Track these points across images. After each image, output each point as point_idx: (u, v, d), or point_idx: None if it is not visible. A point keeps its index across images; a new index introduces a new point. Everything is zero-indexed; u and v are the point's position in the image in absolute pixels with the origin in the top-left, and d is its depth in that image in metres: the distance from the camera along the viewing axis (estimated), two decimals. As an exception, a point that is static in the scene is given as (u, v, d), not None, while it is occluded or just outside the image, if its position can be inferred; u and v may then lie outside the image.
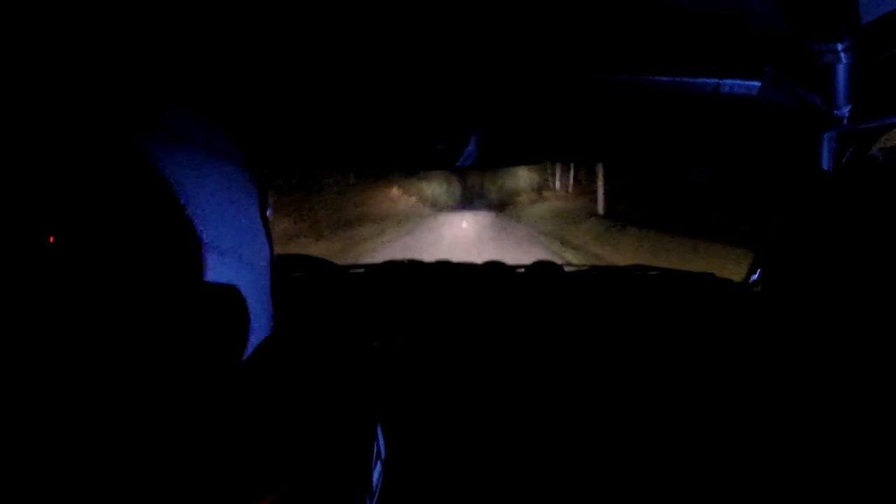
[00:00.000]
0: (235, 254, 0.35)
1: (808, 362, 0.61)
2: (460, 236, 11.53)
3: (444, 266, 1.47)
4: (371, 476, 0.40)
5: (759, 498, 0.65)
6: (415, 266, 1.47)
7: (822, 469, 0.55)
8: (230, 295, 0.35)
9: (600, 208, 12.88)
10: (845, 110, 0.82)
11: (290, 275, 1.37)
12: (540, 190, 22.46)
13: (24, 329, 0.27)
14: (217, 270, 0.34)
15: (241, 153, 0.39)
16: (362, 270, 1.47)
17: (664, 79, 0.85)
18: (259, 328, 0.39)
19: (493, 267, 1.45)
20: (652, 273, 1.40)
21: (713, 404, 0.93)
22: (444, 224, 16.09)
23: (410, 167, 1.21)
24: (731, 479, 0.73)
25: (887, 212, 0.54)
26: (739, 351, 0.95)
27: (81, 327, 0.28)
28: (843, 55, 0.71)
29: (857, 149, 0.86)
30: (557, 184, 20.48)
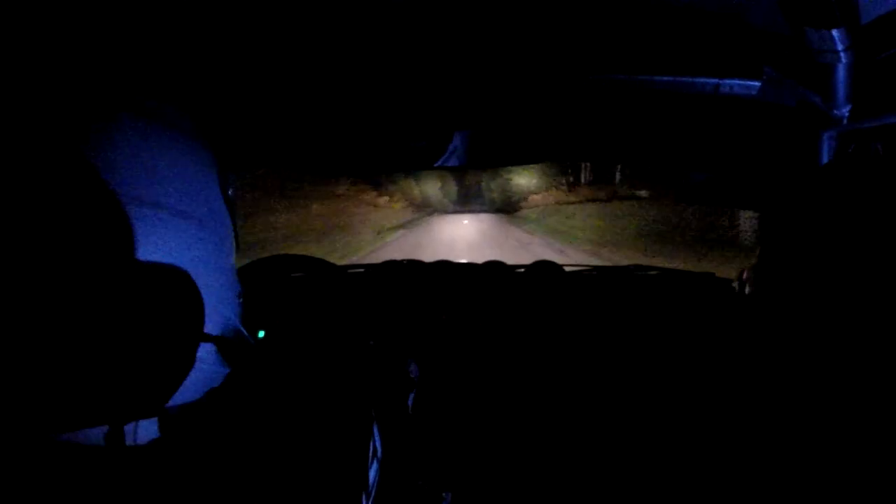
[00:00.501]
0: (198, 222, 0.37)
1: (807, 362, 0.61)
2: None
3: (443, 266, 1.46)
4: (368, 474, 0.40)
5: (759, 498, 0.65)
6: (414, 266, 1.46)
7: (823, 470, 0.55)
8: (192, 256, 0.36)
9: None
10: (845, 110, 0.82)
11: (289, 275, 1.37)
12: (568, 185, 15.44)
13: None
14: (178, 231, 0.34)
15: (202, 134, 0.40)
16: (362, 270, 1.47)
17: (664, 79, 0.85)
18: (225, 301, 0.39)
19: (493, 267, 1.45)
20: (652, 273, 1.40)
21: (712, 404, 0.93)
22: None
23: (392, 167, 1.18)
24: (730, 479, 0.73)
25: (887, 206, 0.54)
26: (739, 350, 0.95)
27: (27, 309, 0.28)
28: (843, 55, 0.71)
29: (857, 148, 0.86)
30: (583, 177, 14.59)
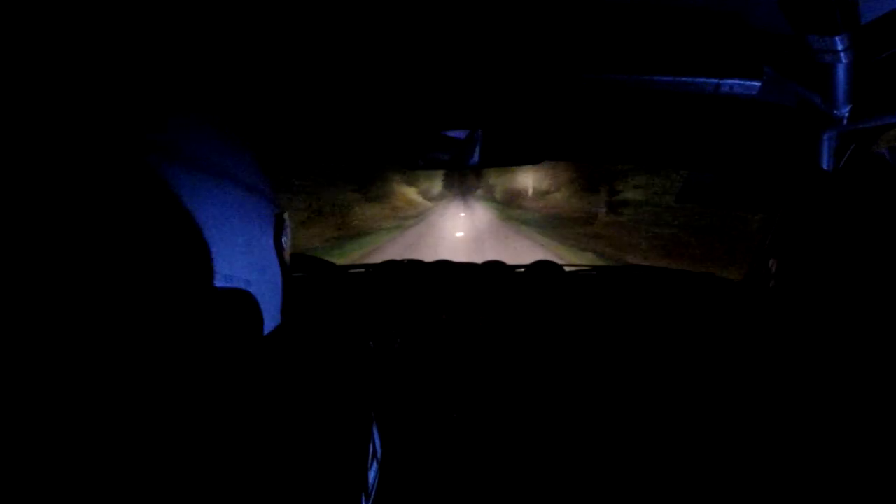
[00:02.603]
0: (244, 282, 0.36)
1: (807, 361, 0.61)
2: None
3: (444, 266, 1.47)
4: (367, 475, 0.40)
5: (759, 497, 0.65)
6: (415, 266, 1.46)
7: (822, 467, 0.55)
8: (238, 321, 0.35)
9: None
10: (845, 110, 0.82)
11: (290, 274, 1.37)
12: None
13: (32, 335, 0.27)
14: (226, 297, 0.34)
15: (264, 183, 0.40)
16: (362, 270, 1.47)
17: (664, 79, 0.85)
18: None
19: (493, 267, 1.45)
20: (652, 273, 1.40)
21: (712, 402, 0.93)
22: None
23: (417, 167, 1.19)
24: (731, 477, 0.73)
25: (894, 210, 0.54)
26: (738, 349, 0.95)
27: (87, 342, 0.28)
28: (843, 55, 0.71)
29: (857, 148, 0.86)
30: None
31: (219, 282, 0.34)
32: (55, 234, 0.27)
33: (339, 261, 1.57)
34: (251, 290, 0.37)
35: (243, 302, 0.36)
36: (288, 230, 0.44)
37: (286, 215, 0.45)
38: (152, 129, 0.32)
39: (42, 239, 0.27)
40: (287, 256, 0.44)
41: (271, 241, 0.41)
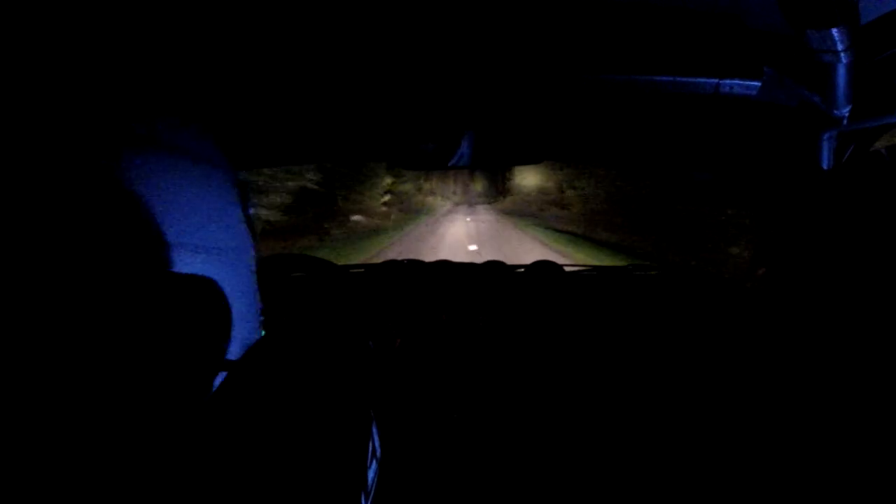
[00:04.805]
0: (219, 252, 0.36)
1: (807, 360, 0.61)
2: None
3: (444, 266, 1.47)
4: (367, 474, 0.40)
5: (759, 497, 0.65)
6: (414, 266, 1.47)
7: (821, 467, 0.55)
8: (215, 291, 0.35)
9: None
10: (845, 110, 0.82)
11: (290, 275, 1.37)
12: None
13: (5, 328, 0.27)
14: (201, 268, 0.34)
15: (222, 155, 0.40)
16: (362, 270, 1.47)
17: (664, 79, 0.85)
18: (246, 322, 0.39)
19: (493, 267, 1.45)
20: (652, 273, 1.40)
21: (712, 401, 0.93)
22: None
23: (404, 166, 1.20)
24: (731, 477, 0.73)
25: (892, 209, 0.54)
26: (739, 349, 0.95)
27: (60, 326, 0.28)
28: (842, 55, 0.71)
29: (857, 148, 0.86)
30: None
31: (196, 255, 0.34)
32: None
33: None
34: (228, 259, 0.37)
35: (223, 273, 0.36)
36: (253, 201, 0.45)
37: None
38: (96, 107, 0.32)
39: None
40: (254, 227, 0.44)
41: (240, 212, 0.41)
